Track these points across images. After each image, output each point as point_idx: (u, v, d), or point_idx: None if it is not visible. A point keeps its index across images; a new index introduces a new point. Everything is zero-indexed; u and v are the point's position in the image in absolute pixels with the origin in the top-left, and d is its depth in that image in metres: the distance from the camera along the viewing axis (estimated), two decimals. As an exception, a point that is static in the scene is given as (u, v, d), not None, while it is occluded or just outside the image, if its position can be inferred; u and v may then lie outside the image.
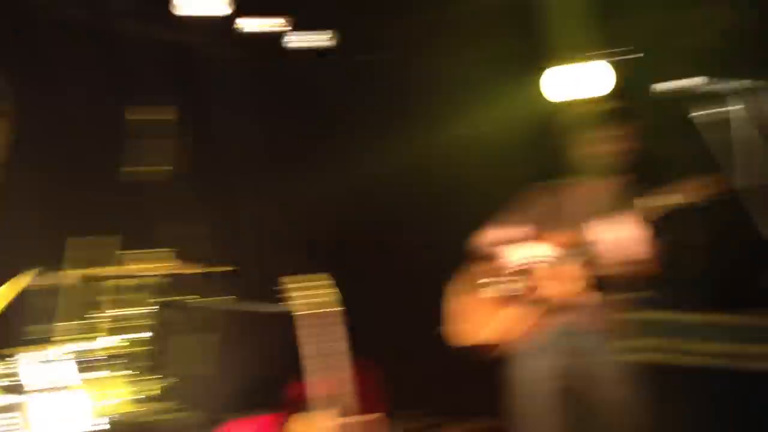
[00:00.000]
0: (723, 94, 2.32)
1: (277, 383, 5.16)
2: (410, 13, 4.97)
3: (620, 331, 3.38)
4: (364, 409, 5.10)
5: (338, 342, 3.50)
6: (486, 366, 3.47)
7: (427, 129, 5.75)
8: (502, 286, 3.39)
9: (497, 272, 3.44)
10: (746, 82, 3.79)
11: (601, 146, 3.41)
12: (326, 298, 3.55)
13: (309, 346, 3.50)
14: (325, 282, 3.58)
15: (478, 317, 3.48)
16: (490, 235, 3.54)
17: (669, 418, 4.52)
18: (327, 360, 3.54)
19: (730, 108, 2.28)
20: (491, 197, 5.68)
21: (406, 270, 6.53)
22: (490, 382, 4.43)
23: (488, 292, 3.44)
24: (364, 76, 5.77)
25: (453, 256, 6.20)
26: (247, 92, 5.53)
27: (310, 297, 3.60)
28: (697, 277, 5.01)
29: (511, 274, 3.38)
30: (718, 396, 4.34)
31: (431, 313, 6.34)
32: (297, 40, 5.37)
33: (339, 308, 3.54)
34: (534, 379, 3.32)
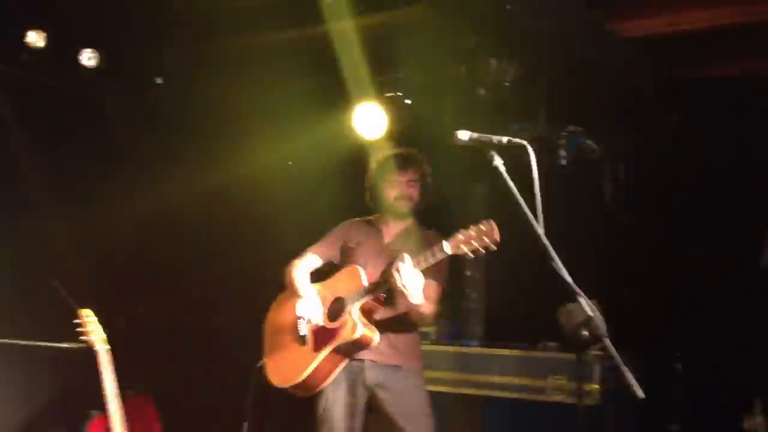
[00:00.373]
0: (519, 145, 2.50)
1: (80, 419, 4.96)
2: (207, 40, 4.87)
3: (412, 365, 3.48)
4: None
5: (109, 379, 3.33)
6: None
7: (231, 158, 5.68)
8: (302, 325, 3.41)
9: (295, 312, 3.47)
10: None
11: (393, 188, 3.52)
12: (98, 333, 3.38)
13: (104, 382, 3.33)
14: (93, 316, 3.41)
15: (285, 359, 3.48)
16: (295, 270, 3.57)
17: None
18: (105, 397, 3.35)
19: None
20: (298, 228, 5.80)
21: (202, 300, 6.42)
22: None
23: (292, 330, 3.46)
24: (154, 103, 5.61)
25: (255, 286, 6.18)
26: (29, 113, 5.13)
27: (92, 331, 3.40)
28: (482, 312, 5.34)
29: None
30: (512, 427, 4.65)
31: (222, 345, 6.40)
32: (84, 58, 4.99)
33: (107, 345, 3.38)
34: (334, 413, 3.40)
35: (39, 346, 3.68)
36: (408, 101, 4.86)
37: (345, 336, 3.22)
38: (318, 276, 3.64)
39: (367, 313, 3.27)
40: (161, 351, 6.19)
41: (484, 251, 2.92)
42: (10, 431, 5.18)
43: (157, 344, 6.12)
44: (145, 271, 6.10)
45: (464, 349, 4.98)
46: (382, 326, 3.33)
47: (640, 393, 2.18)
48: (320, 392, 3.42)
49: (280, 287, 3.70)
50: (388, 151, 3.70)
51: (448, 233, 5.66)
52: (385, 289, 3.20)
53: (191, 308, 6.37)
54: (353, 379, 3.40)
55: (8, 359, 5.09)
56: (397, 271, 3.06)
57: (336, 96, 4.84)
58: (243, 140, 5.80)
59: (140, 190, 5.71)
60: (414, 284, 3.08)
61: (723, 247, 4.73)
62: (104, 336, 3.40)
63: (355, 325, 3.19)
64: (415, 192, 3.53)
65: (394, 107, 4.85)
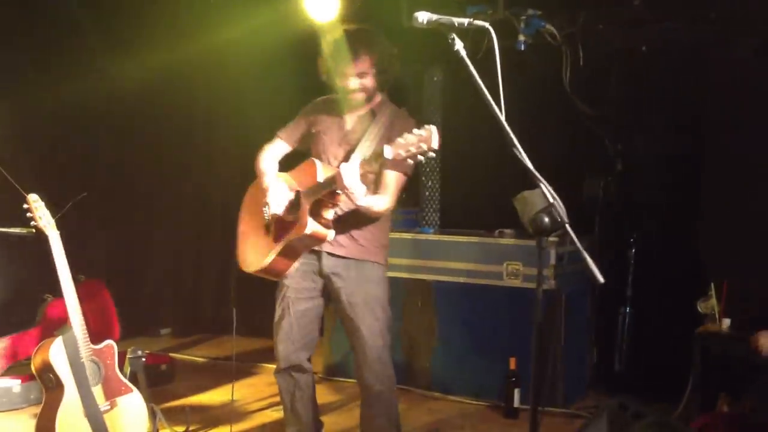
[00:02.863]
0: (481, 28, 2.39)
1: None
2: None
3: (371, 257, 3.45)
4: (99, 330, 4.95)
5: (62, 263, 3.34)
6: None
7: (177, 43, 5.47)
8: (266, 213, 3.38)
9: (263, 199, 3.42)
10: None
11: (345, 81, 3.37)
12: (47, 219, 3.36)
13: (57, 266, 3.34)
14: (41, 201, 3.39)
15: (251, 244, 3.47)
16: (261, 159, 3.51)
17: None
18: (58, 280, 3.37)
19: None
20: (250, 111, 5.68)
21: (153, 188, 6.35)
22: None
23: (260, 217, 3.42)
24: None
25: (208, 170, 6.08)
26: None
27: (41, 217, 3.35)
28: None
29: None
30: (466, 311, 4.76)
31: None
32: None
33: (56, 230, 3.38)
34: (289, 296, 3.45)
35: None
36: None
37: (298, 231, 3.21)
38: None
39: (322, 208, 3.23)
40: (110, 238, 6.18)
41: (422, 158, 2.87)
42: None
43: (106, 232, 6.10)
44: (91, 159, 5.98)
45: (420, 236, 5.01)
46: (341, 220, 3.31)
47: (600, 278, 2.19)
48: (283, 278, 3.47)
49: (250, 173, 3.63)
50: (339, 32, 3.49)
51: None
52: (336, 188, 3.15)
53: (141, 195, 6.33)
54: (311, 269, 3.43)
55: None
56: (340, 174, 3.04)
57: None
58: (188, 23, 5.56)
59: (83, 77, 5.52)
60: (357, 188, 3.06)
61: (679, 131, 4.74)
62: (53, 221, 3.38)
63: (306, 222, 3.17)
64: (368, 83, 3.38)
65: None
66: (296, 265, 3.38)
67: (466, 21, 2.41)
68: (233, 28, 5.29)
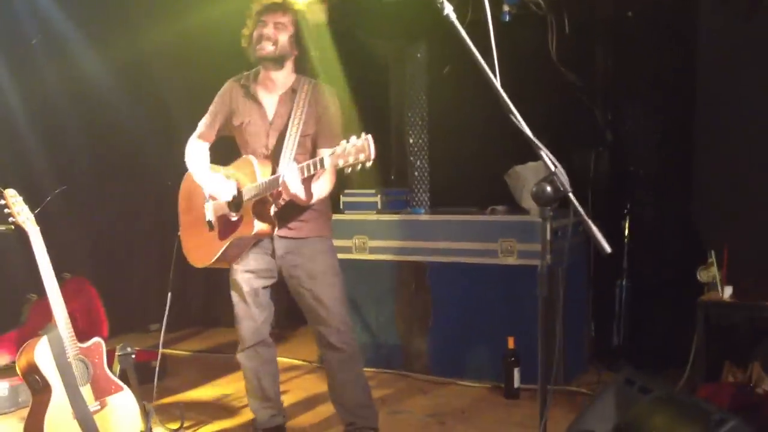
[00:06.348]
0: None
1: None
2: None
3: (320, 234, 3.48)
4: (87, 329, 4.84)
5: (44, 259, 3.25)
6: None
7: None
8: (208, 210, 3.43)
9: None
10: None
11: (258, 28, 3.32)
12: (26, 214, 3.27)
13: (39, 263, 3.24)
14: (18, 196, 3.29)
15: (195, 240, 3.52)
16: (189, 160, 3.52)
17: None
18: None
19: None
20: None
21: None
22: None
23: (201, 212, 3.46)
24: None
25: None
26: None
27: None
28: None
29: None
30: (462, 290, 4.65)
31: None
32: None
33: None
34: (239, 278, 3.50)
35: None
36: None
37: (243, 231, 3.28)
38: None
39: (264, 206, 3.26)
40: (94, 234, 6.07)
41: (359, 166, 2.85)
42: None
43: (88, 228, 5.99)
44: (71, 153, 5.85)
45: (411, 217, 4.90)
46: (286, 208, 3.31)
47: (607, 248, 2.10)
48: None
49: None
50: None
51: (386, 100, 5.51)
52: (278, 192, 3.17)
53: (123, 188, 6.22)
54: (263, 251, 3.46)
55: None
56: (285, 185, 3.07)
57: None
58: (163, 7, 5.40)
59: (58, 69, 5.48)
60: (301, 192, 3.12)
61: (669, 98, 4.65)
62: (32, 216, 3.27)
63: (252, 222, 3.22)
64: (281, 36, 3.30)
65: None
66: (242, 256, 3.44)
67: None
68: (208, 11, 5.13)
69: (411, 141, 5.15)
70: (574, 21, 4.61)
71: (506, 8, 4.37)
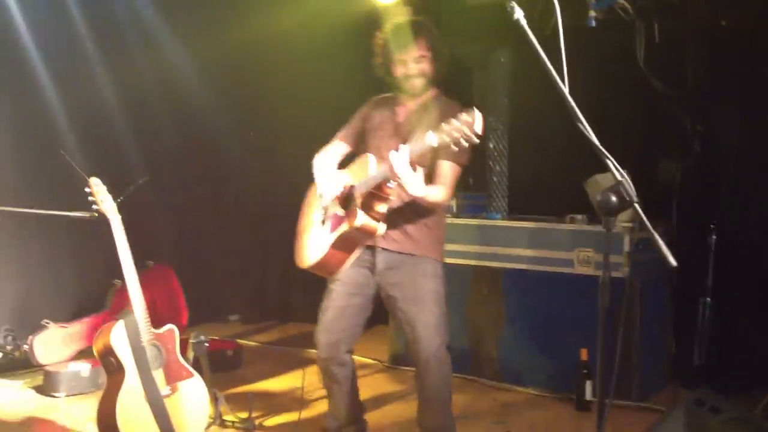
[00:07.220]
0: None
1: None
2: None
3: (426, 252, 3.38)
4: (168, 316, 5.00)
5: (123, 247, 3.37)
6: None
7: (236, 25, 5.47)
8: (325, 210, 3.37)
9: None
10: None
11: (402, 67, 3.34)
12: (109, 202, 3.40)
13: (122, 251, 3.37)
14: (102, 185, 3.42)
15: (307, 240, 3.44)
16: (317, 157, 3.51)
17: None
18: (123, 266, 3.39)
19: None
20: (308, 103, 5.66)
21: (220, 177, 6.40)
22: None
23: (316, 215, 3.42)
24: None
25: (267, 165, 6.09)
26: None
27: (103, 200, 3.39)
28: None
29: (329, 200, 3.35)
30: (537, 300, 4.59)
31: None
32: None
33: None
34: (337, 290, 3.43)
35: (56, 215, 3.62)
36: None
37: (349, 224, 3.17)
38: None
39: (374, 201, 3.16)
40: (179, 225, 6.25)
41: (466, 143, 2.78)
42: (35, 302, 5.26)
43: (174, 218, 6.17)
44: (156, 145, 6.04)
45: (488, 222, 4.87)
46: (395, 214, 3.26)
47: (672, 261, 2.04)
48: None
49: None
50: (397, 20, 3.45)
51: (468, 104, 5.48)
52: (388, 180, 3.07)
53: (206, 182, 6.38)
54: (364, 264, 3.38)
55: (32, 229, 5.15)
56: (390, 162, 2.95)
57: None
58: (247, 7, 5.54)
59: (143, 62, 5.66)
60: (408, 175, 2.97)
61: (762, 109, 4.45)
62: (115, 205, 3.39)
63: (356, 214, 3.12)
64: (426, 67, 3.35)
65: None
66: (348, 263, 3.34)
67: (528, -10, 2.28)
68: (294, 12, 5.25)
69: (491, 146, 5.11)
70: (664, 28, 4.47)
71: (593, 13, 4.27)
